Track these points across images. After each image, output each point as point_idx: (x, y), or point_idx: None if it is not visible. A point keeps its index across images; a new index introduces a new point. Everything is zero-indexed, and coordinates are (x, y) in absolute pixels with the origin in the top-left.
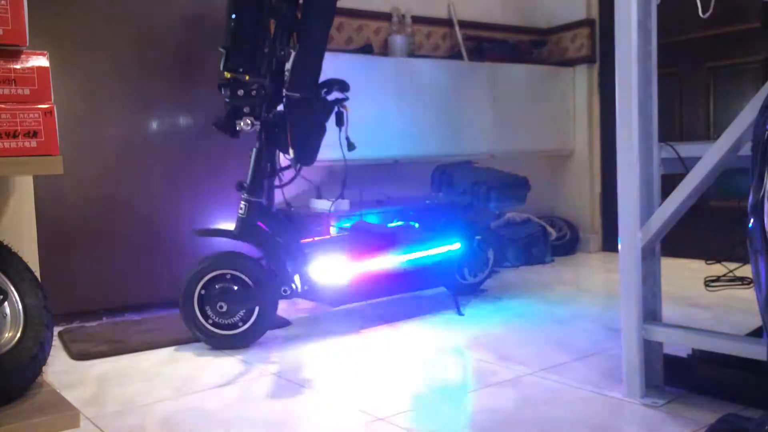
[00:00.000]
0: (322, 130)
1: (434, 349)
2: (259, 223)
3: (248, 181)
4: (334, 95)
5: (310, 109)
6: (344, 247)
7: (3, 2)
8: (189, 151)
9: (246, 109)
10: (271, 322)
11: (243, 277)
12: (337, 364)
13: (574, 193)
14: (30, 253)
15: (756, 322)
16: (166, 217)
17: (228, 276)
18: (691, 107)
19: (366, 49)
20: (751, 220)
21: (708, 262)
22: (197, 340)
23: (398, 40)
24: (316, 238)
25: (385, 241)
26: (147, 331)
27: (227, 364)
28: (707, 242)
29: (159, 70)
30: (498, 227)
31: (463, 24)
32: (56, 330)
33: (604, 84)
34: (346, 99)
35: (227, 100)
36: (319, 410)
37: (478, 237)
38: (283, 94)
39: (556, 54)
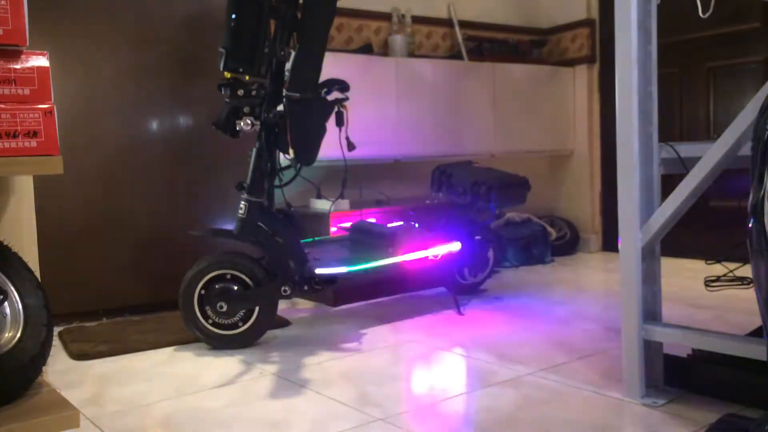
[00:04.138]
0: (322, 130)
1: (434, 349)
2: (259, 223)
3: (248, 181)
4: (334, 95)
5: (310, 109)
6: (344, 247)
7: (3, 2)
8: (189, 151)
9: (246, 109)
10: (271, 322)
11: (243, 277)
12: (337, 365)
13: (574, 193)
14: (30, 253)
15: (756, 322)
16: (166, 217)
17: (228, 276)
18: (691, 107)
19: (366, 49)
20: (751, 220)
21: (708, 262)
22: (197, 340)
23: (398, 40)
24: (316, 238)
25: (385, 241)
26: (147, 331)
27: (227, 364)
28: (707, 242)
29: (159, 70)
30: (498, 227)
31: (463, 24)
32: (56, 330)
33: (604, 84)
34: (346, 99)
35: (227, 100)
36: (319, 410)
37: (478, 237)
38: (283, 94)
39: (556, 54)
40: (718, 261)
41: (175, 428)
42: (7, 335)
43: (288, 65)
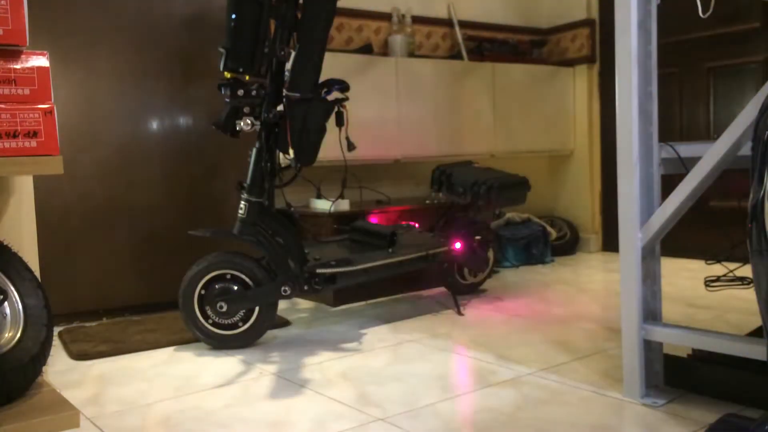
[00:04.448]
0: (322, 130)
1: (434, 349)
2: (259, 223)
3: (248, 181)
4: (334, 95)
5: (310, 109)
6: (344, 247)
7: (3, 2)
8: (189, 151)
9: (246, 109)
10: (271, 322)
11: (243, 277)
12: (337, 365)
13: (574, 193)
14: (30, 253)
15: (756, 322)
16: (166, 217)
17: (228, 276)
18: (691, 107)
19: (366, 49)
20: (751, 221)
21: (708, 262)
22: (197, 340)
23: (398, 40)
24: (315, 238)
25: (385, 240)
26: (147, 331)
27: (227, 364)
28: (707, 242)
29: (159, 70)
30: (498, 227)
31: (463, 24)
32: (56, 330)
33: (604, 84)
34: (346, 99)
35: (227, 100)
36: (319, 410)
37: (478, 237)
38: (283, 94)
39: (556, 54)
40: (718, 261)
41: (175, 428)
42: (7, 335)
43: (288, 65)
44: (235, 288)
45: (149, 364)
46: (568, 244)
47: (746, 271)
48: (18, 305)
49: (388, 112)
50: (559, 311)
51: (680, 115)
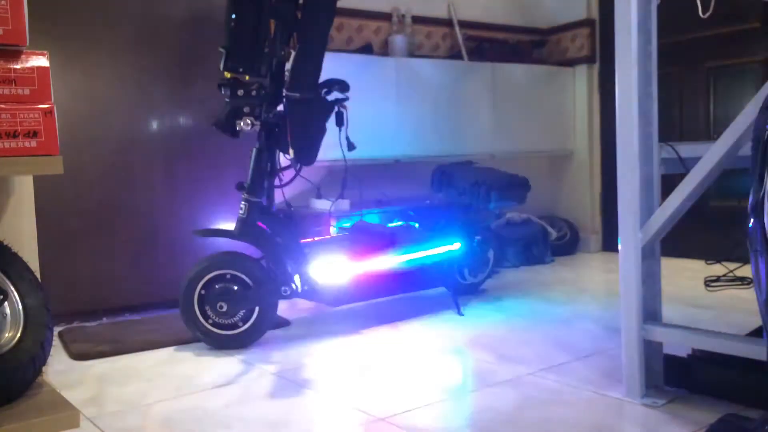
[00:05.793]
0: (322, 130)
1: (434, 349)
2: (259, 223)
3: (248, 181)
4: (334, 95)
5: (310, 109)
6: (344, 247)
7: (3, 2)
8: (189, 151)
9: (246, 109)
10: (271, 322)
11: (243, 277)
12: (337, 364)
13: (574, 193)
14: (30, 253)
15: (756, 322)
16: (166, 217)
17: (228, 276)
18: (691, 107)
19: (366, 49)
20: (751, 221)
21: (708, 262)
22: (197, 340)
23: (398, 40)
24: (316, 238)
25: (385, 241)
26: (147, 331)
27: (227, 364)
28: (707, 242)
29: (159, 70)
30: (498, 227)
31: (463, 24)
32: (56, 330)
33: (604, 84)
34: (346, 99)
35: (227, 100)
36: (319, 410)
37: (478, 237)
38: (284, 94)
39: (556, 54)
40: (718, 261)
41: (175, 428)
42: (7, 335)
43: (288, 65)
44: (235, 288)
45: (149, 364)
46: (568, 244)
47: (746, 271)
48: (18, 305)
49: (387, 112)
50: (559, 311)
51: (680, 115)
